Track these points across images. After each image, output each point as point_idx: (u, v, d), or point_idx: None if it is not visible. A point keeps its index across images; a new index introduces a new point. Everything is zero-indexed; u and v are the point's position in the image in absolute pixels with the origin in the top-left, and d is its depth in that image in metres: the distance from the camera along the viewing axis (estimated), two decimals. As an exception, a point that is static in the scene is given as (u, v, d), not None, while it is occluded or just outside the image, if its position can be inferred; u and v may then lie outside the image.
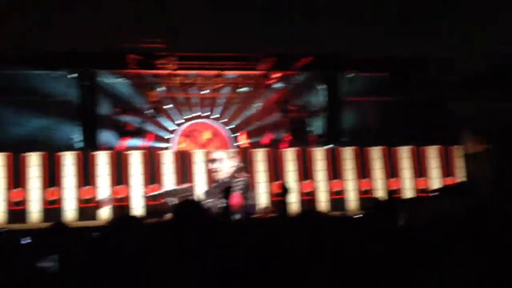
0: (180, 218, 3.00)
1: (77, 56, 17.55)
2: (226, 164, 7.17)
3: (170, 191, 17.09)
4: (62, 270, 3.43)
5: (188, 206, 3.11)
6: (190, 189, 17.01)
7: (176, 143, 20.40)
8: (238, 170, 9.42)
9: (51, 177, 17.25)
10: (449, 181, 19.37)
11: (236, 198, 6.74)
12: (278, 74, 19.74)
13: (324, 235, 3.46)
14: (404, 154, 19.83)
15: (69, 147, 18.16)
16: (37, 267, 3.54)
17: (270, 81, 19.82)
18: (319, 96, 20.72)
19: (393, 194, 18.03)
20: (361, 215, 11.45)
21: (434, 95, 19.75)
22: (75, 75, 18.42)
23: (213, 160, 6.69)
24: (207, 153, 17.69)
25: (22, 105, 17.65)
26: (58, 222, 4.50)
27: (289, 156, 18.95)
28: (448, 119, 19.15)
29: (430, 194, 17.88)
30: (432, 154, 19.99)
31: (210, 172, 16.62)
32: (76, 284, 2.77)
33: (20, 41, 16.02)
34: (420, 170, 19.82)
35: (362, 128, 20.19)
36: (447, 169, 19.91)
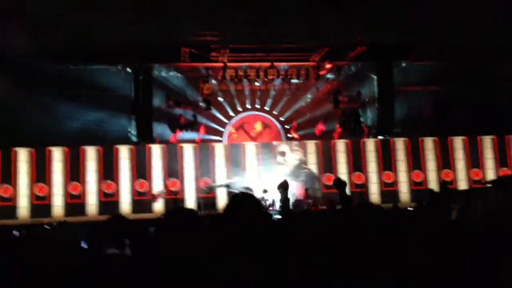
0: (231, 211, 3.05)
1: (133, 50, 17.84)
2: (291, 157, 7.22)
3: (231, 183, 17.23)
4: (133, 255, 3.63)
5: (241, 199, 3.15)
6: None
7: (228, 136, 20.60)
8: (302, 163, 9.45)
9: (107, 170, 17.74)
10: (505, 171, 18.96)
11: (299, 190, 6.76)
12: (330, 65, 19.65)
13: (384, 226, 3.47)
14: (458, 144, 19.46)
15: (125, 141, 18.58)
16: (107, 253, 3.74)
17: (322, 72, 19.74)
18: (371, 87, 20.52)
19: (447, 185, 17.69)
20: (413, 208, 11.36)
21: (491, 85, 19.27)
22: (131, 69, 18.85)
23: (281, 153, 6.78)
24: (275, 146, 17.71)
25: (79, 99, 17.97)
26: (117, 215, 4.68)
27: (341, 148, 18.90)
28: (504, 108, 18.68)
29: (485, 185, 17.51)
30: (487, 144, 19.57)
31: (277, 165, 16.62)
32: (146, 269, 2.88)
33: (77, 37, 16.37)
34: (474, 160, 19.42)
35: (415, 119, 19.87)
36: (502, 160, 19.47)
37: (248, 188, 15.73)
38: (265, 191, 15.76)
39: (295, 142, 17.95)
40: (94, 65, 18.32)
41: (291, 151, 6.93)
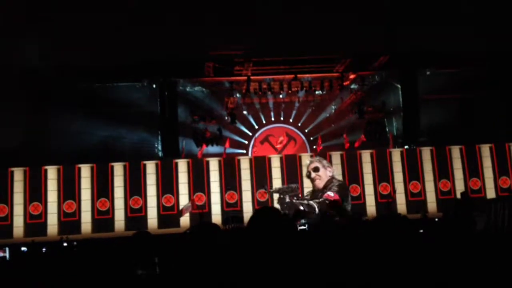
0: (257, 224, 3.05)
1: (157, 66, 18.07)
2: (324, 173, 7.28)
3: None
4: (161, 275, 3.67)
5: (265, 213, 3.15)
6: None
7: (252, 149, 20.68)
8: (334, 178, 9.34)
9: (134, 186, 17.85)
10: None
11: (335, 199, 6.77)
12: (354, 75, 19.61)
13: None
14: (485, 152, 19.19)
15: (151, 156, 18.71)
16: (137, 274, 3.77)
17: (346, 83, 19.71)
18: (395, 96, 20.40)
19: (474, 194, 17.42)
20: (439, 218, 11.26)
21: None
22: (156, 85, 19.06)
23: (315, 169, 6.83)
24: (310, 163, 17.63)
25: (105, 116, 18.19)
26: (142, 231, 4.73)
27: (366, 158, 18.78)
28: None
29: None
30: (516, 151, 19.25)
31: (312, 180, 16.57)
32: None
33: (102, 54, 16.62)
34: (502, 168, 19.10)
35: (440, 127, 19.66)
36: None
37: (293, 188, 15.69)
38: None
39: (324, 161, 17.77)
40: (119, 82, 18.60)
41: (323, 167, 6.98)
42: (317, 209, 7.22)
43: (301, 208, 7.09)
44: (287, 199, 7.22)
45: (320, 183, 7.82)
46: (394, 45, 18.06)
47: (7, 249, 11.32)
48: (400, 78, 19.94)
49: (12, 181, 17.20)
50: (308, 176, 7.56)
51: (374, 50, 18.34)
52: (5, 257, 10.13)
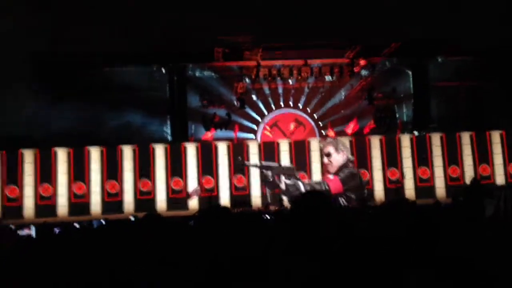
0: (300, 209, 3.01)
1: (167, 51, 18.09)
2: (337, 158, 7.18)
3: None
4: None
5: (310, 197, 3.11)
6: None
7: (261, 134, 20.69)
8: (349, 162, 9.18)
9: (143, 169, 17.89)
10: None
11: (335, 183, 6.72)
12: (364, 62, 19.52)
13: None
14: (495, 138, 19.09)
15: (160, 140, 18.80)
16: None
17: (356, 69, 19.63)
18: (406, 82, 20.32)
19: (483, 181, 17.37)
20: (450, 203, 11.21)
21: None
22: (165, 69, 19.07)
23: (327, 154, 6.78)
24: (323, 146, 17.43)
25: (114, 100, 18.38)
26: (152, 213, 4.72)
27: (375, 144, 18.74)
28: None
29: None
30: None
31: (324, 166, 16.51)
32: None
33: (111, 39, 16.62)
34: (513, 155, 19.01)
35: (451, 114, 19.58)
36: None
37: (290, 168, 15.66)
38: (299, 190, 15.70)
39: (340, 143, 17.55)
40: (128, 66, 18.63)
41: (337, 151, 6.90)
42: (302, 189, 7.18)
43: (281, 186, 7.12)
44: (270, 178, 7.22)
45: (331, 169, 7.80)
46: (406, 32, 17.95)
47: (32, 227, 11.46)
48: (411, 65, 19.85)
49: (22, 163, 17.37)
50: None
51: (386, 36, 18.21)
52: (31, 235, 10.22)
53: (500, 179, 18.59)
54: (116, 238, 4.44)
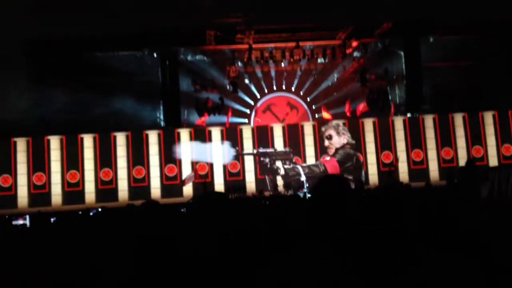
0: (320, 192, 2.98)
1: (158, 35, 17.93)
2: (337, 141, 7.17)
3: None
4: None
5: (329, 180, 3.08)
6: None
7: (255, 118, 20.63)
8: (349, 145, 9.30)
9: (136, 156, 17.91)
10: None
11: (331, 164, 6.71)
12: (356, 43, 19.43)
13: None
14: (488, 119, 19.13)
15: (153, 126, 18.72)
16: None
17: (348, 50, 19.55)
18: (398, 63, 20.26)
19: (474, 163, 17.34)
20: (444, 185, 11.26)
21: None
22: (157, 54, 18.93)
23: (328, 136, 6.77)
24: (325, 130, 17.40)
25: (106, 86, 18.16)
26: (150, 200, 4.72)
27: (369, 127, 18.72)
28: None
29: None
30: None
31: (325, 148, 16.52)
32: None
33: (102, 24, 16.47)
34: (505, 136, 19.06)
35: (444, 95, 19.56)
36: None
37: (286, 152, 15.69)
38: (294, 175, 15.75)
39: (341, 126, 17.49)
40: (120, 51, 18.47)
41: (338, 135, 6.89)
42: (302, 173, 7.25)
43: (281, 172, 7.15)
44: (268, 164, 7.29)
45: (331, 152, 7.84)
46: (397, 11, 17.86)
47: (27, 216, 11.50)
48: (403, 45, 19.76)
49: (15, 151, 17.29)
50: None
51: (377, 16, 18.11)
52: (25, 224, 10.25)
53: (493, 161, 18.66)
54: (112, 224, 4.43)
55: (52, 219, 7.75)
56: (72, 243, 3.30)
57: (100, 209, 7.83)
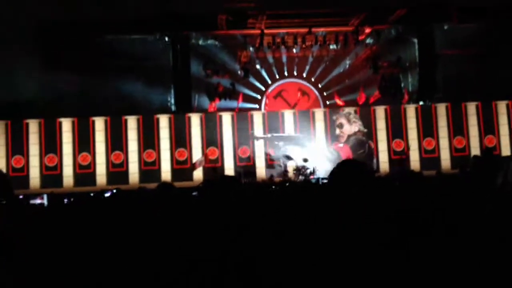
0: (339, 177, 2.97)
1: (170, 19, 17.85)
2: (348, 129, 7.14)
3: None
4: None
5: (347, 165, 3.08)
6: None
7: (265, 104, 20.57)
8: (361, 133, 9.21)
9: (147, 140, 17.95)
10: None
11: (345, 150, 6.69)
12: (369, 29, 19.28)
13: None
14: (501, 109, 18.96)
15: (164, 110, 18.74)
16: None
17: (361, 37, 19.40)
18: (412, 51, 20.09)
19: (491, 152, 17.22)
20: (458, 174, 11.17)
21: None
22: (168, 38, 18.87)
23: (339, 125, 6.73)
24: (336, 118, 17.33)
25: (118, 69, 18.13)
26: (164, 182, 4.71)
27: (381, 114, 18.60)
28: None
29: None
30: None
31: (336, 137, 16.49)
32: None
33: (114, 7, 16.42)
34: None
35: (457, 83, 19.35)
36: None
37: (287, 157, 15.63)
38: (305, 160, 15.71)
39: (352, 114, 17.38)
40: (131, 34, 18.42)
41: (349, 123, 6.85)
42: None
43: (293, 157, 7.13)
44: (281, 148, 7.31)
45: (343, 140, 7.82)
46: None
47: (45, 196, 11.60)
48: (417, 32, 19.58)
49: (27, 133, 17.37)
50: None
51: (391, 3, 17.93)
52: (43, 204, 10.34)
53: (505, 150, 18.50)
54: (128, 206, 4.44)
55: (65, 200, 7.78)
56: (96, 222, 3.30)
57: (114, 191, 7.85)
